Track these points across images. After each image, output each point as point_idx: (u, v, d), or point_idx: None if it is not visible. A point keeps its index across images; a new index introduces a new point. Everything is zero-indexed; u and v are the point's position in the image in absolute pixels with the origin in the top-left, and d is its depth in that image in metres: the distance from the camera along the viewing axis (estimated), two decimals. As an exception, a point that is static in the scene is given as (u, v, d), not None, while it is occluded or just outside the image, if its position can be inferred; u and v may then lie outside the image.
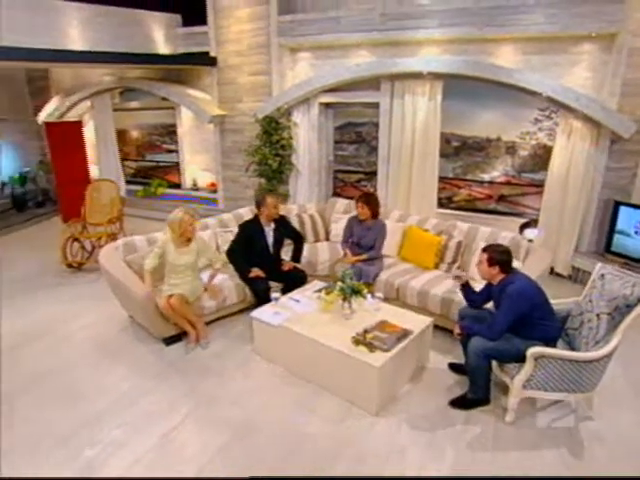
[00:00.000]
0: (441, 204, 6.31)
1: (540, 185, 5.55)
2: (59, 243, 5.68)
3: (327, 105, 6.62)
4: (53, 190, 8.53)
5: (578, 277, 5.31)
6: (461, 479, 2.68)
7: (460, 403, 3.19)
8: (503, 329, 3.00)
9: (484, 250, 3.18)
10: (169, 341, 4.03)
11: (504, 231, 4.50)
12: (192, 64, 7.30)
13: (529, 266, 3.94)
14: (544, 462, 2.76)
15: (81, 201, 6.21)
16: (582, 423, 3.07)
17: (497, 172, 5.94)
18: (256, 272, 4.32)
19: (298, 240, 4.66)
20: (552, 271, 5.45)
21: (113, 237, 5.83)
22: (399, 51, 5.78)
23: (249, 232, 4.40)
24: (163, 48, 7.14)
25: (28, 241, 7.05)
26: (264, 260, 4.42)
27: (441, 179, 6.17)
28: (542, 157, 5.54)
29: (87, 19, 6.19)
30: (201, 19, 6.88)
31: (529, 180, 5.77)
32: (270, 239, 4.49)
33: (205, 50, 7.00)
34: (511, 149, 5.76)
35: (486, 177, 6.03)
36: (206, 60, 6.95)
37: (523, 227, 5.62)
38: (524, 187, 5.83)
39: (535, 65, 5.22)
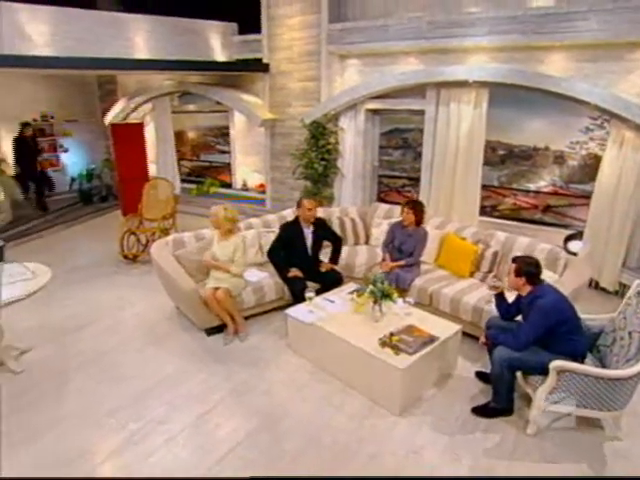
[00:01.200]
0: (485, 212, 6.26)
1: (589, 197, 5.37)
2: (118, 235, 6.18)
3: (374, 111, 6.73)
4: (115, 186, 9.19)
5: (625, 293, 5.09)
6: (460, 479, 2.74)
7: (482, 411, 3.23)
8: (529, 341, 3.01)
9: (514, 260, 3.21)
10: (210, 332, 4.32)
11: (542, 242, 4.43)
12: (246, 71, 7.64)
13: (566, 280, 3.89)
14: (560, 474, 2.75)
15: (139, 197, 6.66)
16: (608, 442, 3.02)
17: (544, 182, 5.82)
18: (294, 272, 4.52)
19: (337, 242, 4.80)
20: (597, 286, 5.29)
21: (166, 232, 6.24)
22: (447, 58, 5.80)
23: (289, 233, 4.60)
24: (220, 55, 7.54)
25: (91, 232, 7.67)
26: (303, 261, 4.61)
27: (486, 187, 6.12)
28: (592, 167, 5.37)
29: (151, 29, 6.69)
30: (256, 27, 7.19)
31: (578, 191, 5.60)
32: (309, 241, 4.66)
33: (258, 57, 7.31)
34: (559, 159, 5.63)
35: (532, 187, 5.92)
36: (259, 67, 7.25)
37: (568, 239, 5.49)
38: (572, 198, 5.68)
39: (588, 73, 5.08)
